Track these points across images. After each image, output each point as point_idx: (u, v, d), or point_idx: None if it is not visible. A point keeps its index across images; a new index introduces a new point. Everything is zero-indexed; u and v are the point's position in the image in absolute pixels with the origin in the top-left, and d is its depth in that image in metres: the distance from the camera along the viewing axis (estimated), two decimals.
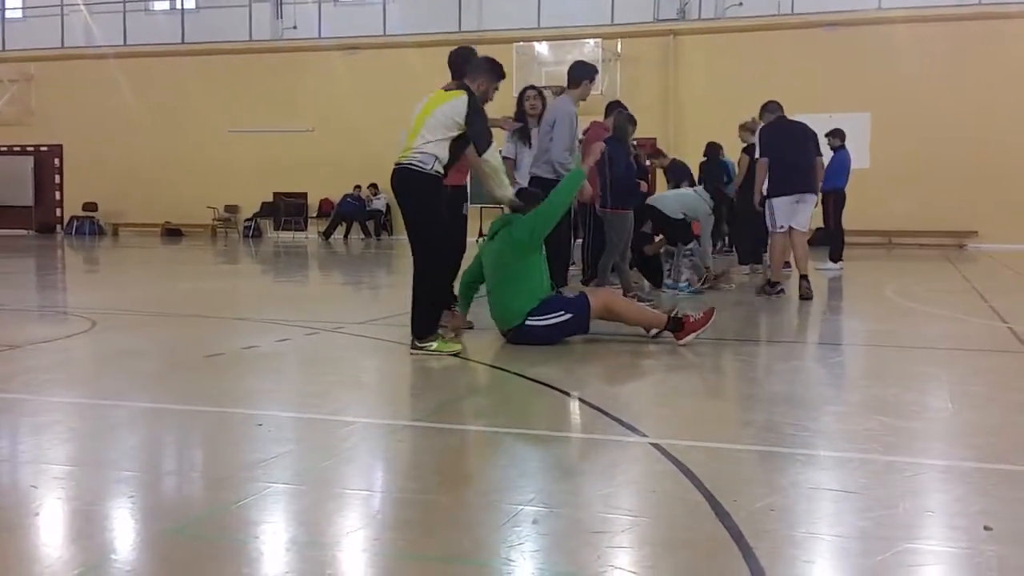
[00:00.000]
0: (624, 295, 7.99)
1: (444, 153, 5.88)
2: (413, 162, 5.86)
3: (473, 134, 5.89)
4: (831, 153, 13.47)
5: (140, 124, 24.46)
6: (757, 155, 9.80)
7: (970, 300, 9.63)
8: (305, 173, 23.58)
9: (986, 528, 2.80)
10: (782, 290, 9.44)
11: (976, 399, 4.83)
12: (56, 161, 26.04)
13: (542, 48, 21.75)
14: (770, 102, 10.12)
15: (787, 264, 9.88)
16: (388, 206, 22.86)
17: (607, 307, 6.20)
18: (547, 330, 6.10)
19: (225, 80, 23.94)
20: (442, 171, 5.92)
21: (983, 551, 2.64)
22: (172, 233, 24.54)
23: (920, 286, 11.16)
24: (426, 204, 5.91)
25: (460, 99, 5.89)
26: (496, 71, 6.26)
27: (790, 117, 9.99)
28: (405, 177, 5.91)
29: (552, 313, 6.11)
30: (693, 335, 6.13)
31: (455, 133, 5.88)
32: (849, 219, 19.63)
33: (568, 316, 6.08)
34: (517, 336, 6.17)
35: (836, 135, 13.63)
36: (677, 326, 6.15)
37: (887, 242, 19.81)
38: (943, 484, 3.35)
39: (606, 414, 4.30)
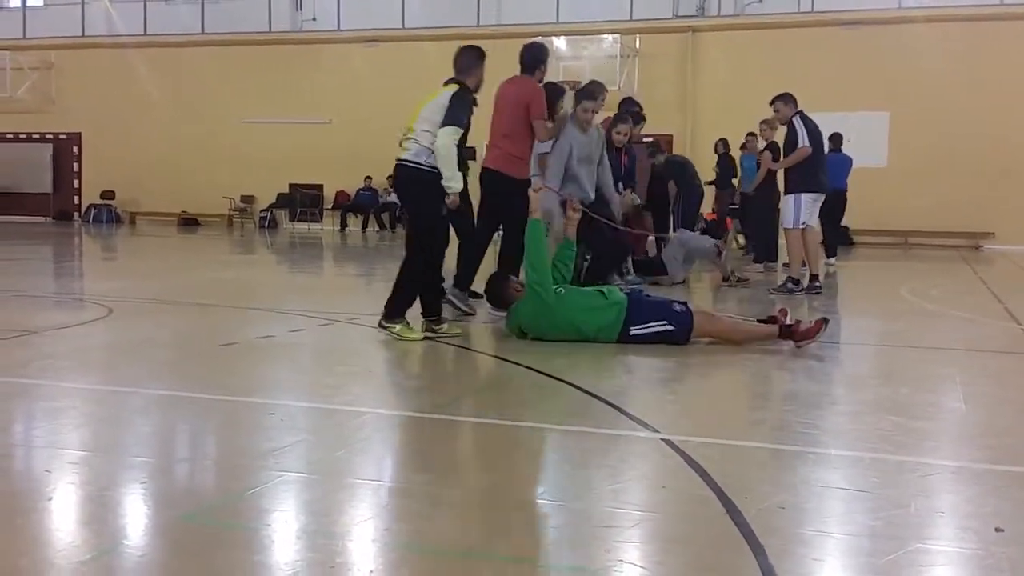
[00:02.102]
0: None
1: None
2: (409, 158, 6.25)
3: (447, 115, 6.13)
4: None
5: (159, 113, 24.53)
6: (803, 142, 9.39)
7: (985, 301, 9.59)
8: (321, 165, 23.59)
9: (997, 530, 2.79)
10: (804, 287, 9.47)
11: (989, 400, 4.81)
12: (75, 149, 26.13)
13: (560, 43, 21.68)
14: (789, 93, 9.83)
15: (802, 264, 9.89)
16: None
17: (711, 328, 6.17)
18: (649, 337, 6.03)
19: (244, 71, 23.98)
20: (435, 166, 6.17)
21: (994, 552, 2.63)
22: (188, 223, 24.60)
23: (935, 286, 11.11)
24: (422, 199, 6.25)
25: (449, 90, 6.31)
26: (482, 55, 6.66)
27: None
28: (405, 175, 6.34)
29: (654, 321, 6.05)
30: (808, 342, 6.02)
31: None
32: (865, 218, 19.57)
33: (670, 327, 6.04)
34: (624, 341, 6.07)
35: (833, 139, 13.74)
36: (787, 335, 6.06)
37: (903, 242, 19.71)
38: (954, 485, 3.34)
39: (617, 409, 4.30)
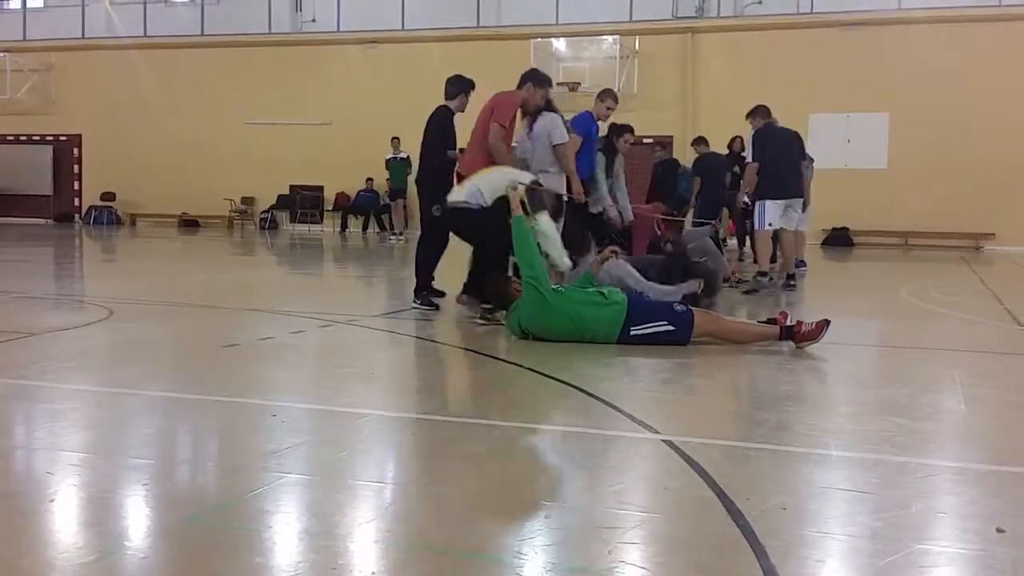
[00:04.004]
0: None
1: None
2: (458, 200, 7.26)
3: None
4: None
5: (159, 115, 24.54)
6: (749, 158, 10.33)
7: (985, 302, 9.59)
8: (322, 166, 23.60)
9: (999, 530, 2.79)
10: (772, 279, 10.02)
11: (990, 401, 4.81)
12: (75, 151, 26.14)
13: (560, 44, 21.71)
14: (761, 106, 10.53)
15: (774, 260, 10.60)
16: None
17: (712, 328, 6.17)
18: (649, 337, 6.04)
19: (244, 72, 23.98)
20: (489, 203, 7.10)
21: (995, 553, 2.63)
22: (189, 224, 24.61)
23: (935, 287, 11.11)
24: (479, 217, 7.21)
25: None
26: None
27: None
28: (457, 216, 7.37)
29: (655, 322, 6.06)
30: (809, 343, 6.06)
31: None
32: (866, 219, 19.56)
33: (670, 328, 6.05)
34: (624, 342, 6.07)
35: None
36: (788, 336, 6.07)
37: (903, 243, 19.72)
38: (956, 486, 3.34)
39: (619, 410, 4.31)
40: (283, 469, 3.31)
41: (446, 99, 8.44)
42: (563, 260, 6.76)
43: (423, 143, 8.43)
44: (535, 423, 4.28)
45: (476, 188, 7.13)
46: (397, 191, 20.80)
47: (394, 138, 20.33)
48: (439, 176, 8.21)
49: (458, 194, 7.29)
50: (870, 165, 19.78)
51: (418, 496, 3.12)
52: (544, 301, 6.07)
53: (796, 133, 10.66)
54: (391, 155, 20.56)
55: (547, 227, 6.67)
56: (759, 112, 10.42)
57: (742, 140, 15.59)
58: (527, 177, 7.05)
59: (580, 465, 3.52)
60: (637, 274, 7.38)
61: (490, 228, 7.15)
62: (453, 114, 8.39)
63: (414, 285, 8.12)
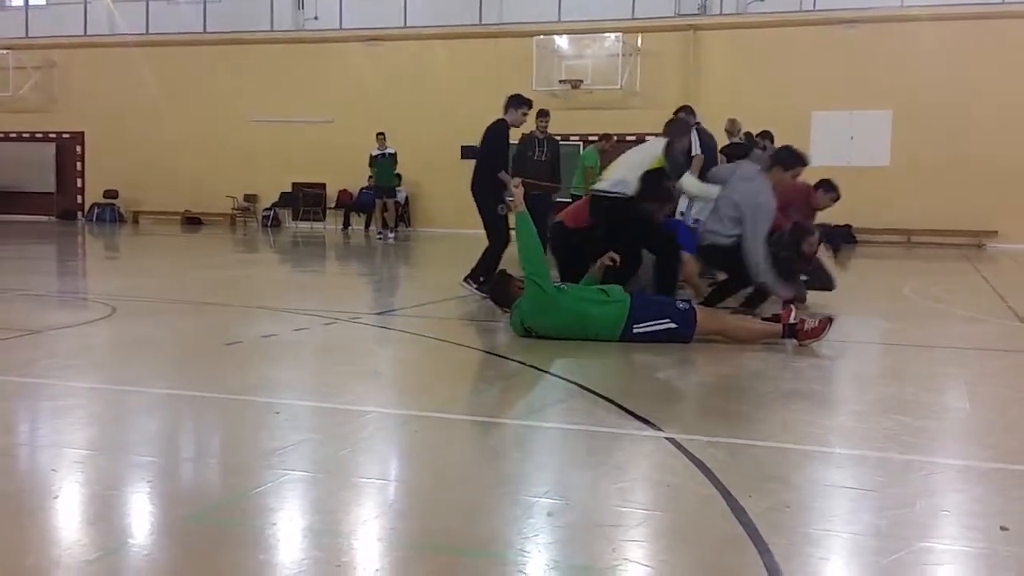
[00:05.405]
0: None
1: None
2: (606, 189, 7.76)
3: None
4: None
5: (162, 112, 24.54)
6: (695, 151, 10.34)
7: (989, 300, 9.58)
8: (324, 164, 23.58)
9: (1002, 528, 2.79)
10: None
11: (994, 399, 4.81)
12: (78, 148, 26.14)
13: (562, 42, 21.68)
14: (686, 106, 10.80)
15: None
16: (407, 198, 22.81)
17: (715, 326, 6.18)
18: (652, 335, 6.04)
19: (246, 70, 23.98)
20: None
21: (999, 551, 2.63)
22: (192, 221, 24.62)
23: (938, 285, 11.10)
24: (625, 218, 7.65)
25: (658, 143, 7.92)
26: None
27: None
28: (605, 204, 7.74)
29: (657, 320, 6.06)
30: (812, 341, 6.06)
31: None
32: (868, 217, 19.54)
33: (673, 325, 6.04)
34: (627, 339, 6.07)
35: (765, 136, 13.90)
36: (792, 334, 6.08)
37: (906, 240, 19.70)
38: (960, 484, 3.34)
39: (622, 408, 4.31)
40: (286, 466, 3.31)
41: (504, 113, 8.81)
42: (708, 191, 7.82)
43: (478, 153, 9.03)
44: (538, 421, 4.28)
45: (620, 177, 7.61)
46: (385, 189, 20.33)
47: (379, 134, 19.95)
48: (492, 186, 8.62)
49: (603, 183, 7.76)
50: (873, 162, 19.74)
51: (421, 494, 3.12)
52: (547, 298, 6.07)
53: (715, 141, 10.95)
54: (376, 151, 20.06)
55: (695, 188, 7.95)
56: (689, 110, 10.60)
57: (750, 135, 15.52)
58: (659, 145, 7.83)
59: (583, 463, 3.52)
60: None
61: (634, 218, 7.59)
62: (508, 127, 8.73)
63: (471, 269, 8.57)
